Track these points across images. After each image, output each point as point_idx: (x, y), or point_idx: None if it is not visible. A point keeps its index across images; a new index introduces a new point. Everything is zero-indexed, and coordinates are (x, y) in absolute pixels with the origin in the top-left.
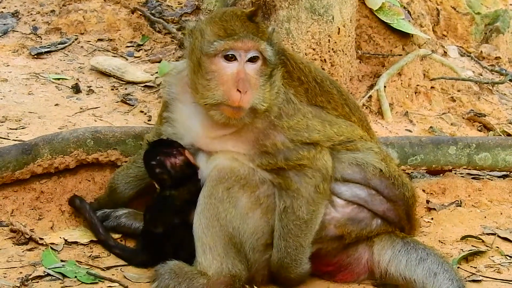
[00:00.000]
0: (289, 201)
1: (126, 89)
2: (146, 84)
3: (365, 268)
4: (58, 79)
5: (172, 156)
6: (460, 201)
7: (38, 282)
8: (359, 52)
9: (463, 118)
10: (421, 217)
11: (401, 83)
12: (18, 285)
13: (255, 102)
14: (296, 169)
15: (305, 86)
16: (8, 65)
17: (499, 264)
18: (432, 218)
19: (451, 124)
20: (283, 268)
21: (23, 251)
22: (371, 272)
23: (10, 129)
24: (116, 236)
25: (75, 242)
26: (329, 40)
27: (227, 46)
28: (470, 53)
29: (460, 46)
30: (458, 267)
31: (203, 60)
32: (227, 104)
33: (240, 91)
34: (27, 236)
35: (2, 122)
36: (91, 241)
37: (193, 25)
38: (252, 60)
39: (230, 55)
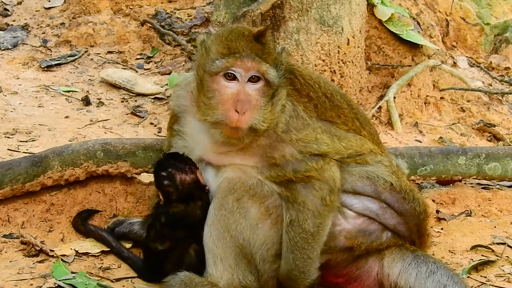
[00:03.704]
0: (295, 214)
1: (136, 101)
2: (156, 96)
3: (375, 281)
4: (68, 91)
5: (183, 172)
6: (470, 211)
7: None
8: (369, 63)
9: (473, 128)
10: (431, 227)
11: (411, 94)
12: None
13: (254, 123)
14: (304, 181)
15: (315, 101)
16: (18, 78)
17: (509, 273)
18: (442, 228)
19: (461, 134)
20: (292, 280)
21: (33, 263)
22: (380, 284)
23: (20, 141)
24: (128, 245)
25: (86, 253)
26: (338, 51)
27: (228, 64)
28: (480, 63)
29: (470, 57)
30: (468, 277)
31: (205, 78)
32: (225, 124)
33: (238, 112)
34: (38, 248)
35: (12, 134)
36: (102, 252)
37: (202, 38)
38: (254, 80)
39: (229, 74)
